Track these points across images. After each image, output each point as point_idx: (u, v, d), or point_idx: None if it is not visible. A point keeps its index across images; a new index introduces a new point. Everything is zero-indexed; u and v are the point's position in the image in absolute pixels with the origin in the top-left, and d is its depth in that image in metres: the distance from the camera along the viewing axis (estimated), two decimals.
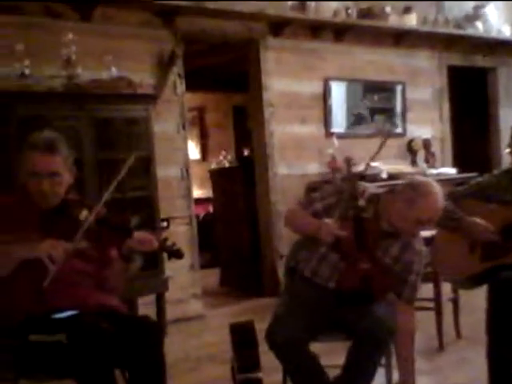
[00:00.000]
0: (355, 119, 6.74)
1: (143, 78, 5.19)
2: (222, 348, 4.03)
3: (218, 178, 7.24)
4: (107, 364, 2.43)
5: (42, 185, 2.61)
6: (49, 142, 2.65)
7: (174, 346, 4.48)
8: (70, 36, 4.58)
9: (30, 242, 2.49)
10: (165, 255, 2.69)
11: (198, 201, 7.19)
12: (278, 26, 6.06)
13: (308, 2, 6.07)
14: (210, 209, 8.27)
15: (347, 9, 6.34)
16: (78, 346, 2.39)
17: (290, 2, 5.99)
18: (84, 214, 2.58)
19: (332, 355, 3.02)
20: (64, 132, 2.87)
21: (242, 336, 3.21)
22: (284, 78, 6.16)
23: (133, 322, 2.63)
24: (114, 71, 4.80)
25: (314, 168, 6.33)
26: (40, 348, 2.52)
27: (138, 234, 2.59)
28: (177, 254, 2.64)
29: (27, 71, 4.39)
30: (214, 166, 7.91)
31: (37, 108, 4.39)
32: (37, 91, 4.49)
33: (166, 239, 2.66)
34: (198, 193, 8.07)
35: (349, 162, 2.99)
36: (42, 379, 2.58)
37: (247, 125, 7.26)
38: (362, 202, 2.89)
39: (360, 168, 3.40)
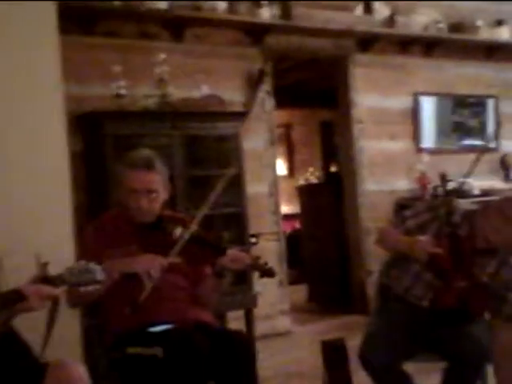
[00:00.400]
0: (445, 134, 6.62)
1: (233, 95, 5.28)
2: (312, 365, 4.02)
3: (305, 194, 7.25)
4: (202, 378, 2.47)
5: (140, 201, 2.69)
6: (147, 160, 2.73)
7: (263, 361, 4.46)
8: (163, 56, 4.71)
9: (129, 256, 2.57)
10: (256, 273, 2.72)
11: (285, 217, 7.21)
12: (367, 42, 6.04)
13: (397, 17, 6.02)
14: (297, 225, 8.28)
15: (437, 23, 6.25)
16: (173, 360, 2.45)
17: (378, 18, 5.95)
18: (179, 230, 2.64)
19: (423, 375, 2.97)
20: (156, 150, 2.95)
21: (333, 353, 3.20)
22: (372, 93, 6.12)
23: (227, 337, 2.66)
24: (205, 89, 4.90)
25: (403, 184, 6.25)
26: (136, 361, 2.58)
27: (231, 253, 2.63)
28: (269, 273, 2.66)
29: (123, 91, 4.54)
30: (301, 182, 7.92)
31: (131, 127, 4.54)
32: (131, 110, 4.64)
33: (258, 258, 2.68)
34: (284, 209, 8.10)
35: (444, 177, 2.94)
36: None
37: (334, 141, 7.25)
38: (456, 219, 2.83)
39: (453, 184, 3.34)
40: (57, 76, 3.25)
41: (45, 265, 2.12)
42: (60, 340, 2.35)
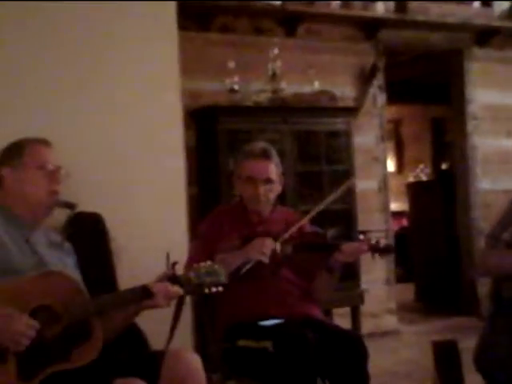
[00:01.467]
0: None
1: (344, 91, 5.25)
2: (420, 365, 3.95)
3: (415, 191, 7.12)
4: (311, 373, 2.48)
5: (257, 189, 2.74)
6: (265, 150, 2.81)
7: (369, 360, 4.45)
8: (276, 51, 4.74)
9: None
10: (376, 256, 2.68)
11: (392, 214, 7.10)
12: (485, 36, 5.84)
13: None
14: (404, 222, 8.14)
15: None
16: (283, 355, 2.47)
17: (497, 11, 5.75)
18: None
19: None
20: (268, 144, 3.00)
21: (445, 355, 3.11)
22: (490, 89, 5.91)
23: (339, 334, 2.65)
24: (317, 85, 4.90)
25: None
26: (247, 353, 2.62)
27: (347, 246, 2.61)
28: (388, 250, 2.64)
29: (236, 87, 4.61)
30: (410, 179, 7.78)
31: (243, 121, 4.61)
32: (244, 105, 4.70)
33: (369, 240, 2.64)
34: (392, 206, 7.98)
35: None
36: (248, 383, 2.69)
37: (446, 137, 7.06)
38: None
39: None
40: (175, 72, 3.33)
41: (173, 264, 2.18)
42: None
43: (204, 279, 2.18)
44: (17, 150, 2.25)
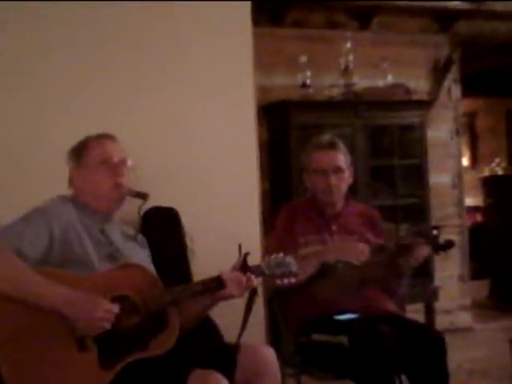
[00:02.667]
0: None
1: (418, 84, 5.18)
2: (496, 364, 3.87)
3: (490, 185, 6.95)
4: (388, 369, 2.46)
5: (328, 179, 2.76)
6: (330, 141, 2.84)
7: None
8: (349, 45, 4.71)
9: (324, 244, 2.63)
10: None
11: (467, 209, 6.96)
12: None
13: None
14: (478, 218, 7.96)
15: None
16: (359, 350, 2.46)
17: None
18: None
19: None
20: (340, 139, 2.99)
21: None
22: None
23: (417, 329, 2.63)
24: (390, 78, 4.84)
25: None
26: (322, 347, 2.63)
27: (414, 252, 2.61)
28: (449, 245, 2.63)
29: (308, 81, 4.61)
30: (485, 173, 7.60)
31: (315, 116, 4.61)
32: (316, 100, 4.69)
33: (431, 237, 2.66)
34: (466, 201, 7.82)
35: None
36: (322, 377, 2.70)
37: None
38: None
39: None
40: (249, 67, 3.34)
41: (246, 255, 2.21)
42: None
43: (276, 270, 2.21)
44: (80, 149, 2.32)
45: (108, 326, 1.99)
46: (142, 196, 2.33)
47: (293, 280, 2.22)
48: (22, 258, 2.02)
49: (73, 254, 2.13)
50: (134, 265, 2.19)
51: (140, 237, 2.41)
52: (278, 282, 2.21)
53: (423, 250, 2.63)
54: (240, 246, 2.21)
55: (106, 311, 1.99)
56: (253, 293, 2.25)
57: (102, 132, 2.36)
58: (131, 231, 2.39)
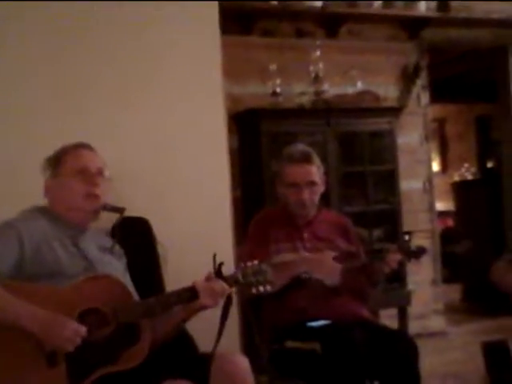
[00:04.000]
0: None
1: (387, 91, 5.22)
2: (469, 367, 3.89)
3: (460, 190, 7.03)
4: (360, 374, 2.47)
5: (301, 194, 2.76)
6: (305, 154, 2.82)
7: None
8: (318, 53, 4.73)
9: (296, 251, 2.64)
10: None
11: (437, 214, 7.03)
12: None
13: None
14: (449, 222, 8.04)
15: None
16: (331, 356, 2.47)
17: None
18: None
19: None
20: (311, 146, 3.01)
21: (495, 356, 3.08)
22: None
23: (388, 334, 2.65)
24: (360, 85, 4.88)
25: None
26: (295, 354, 2.63)
27: (387, 259, 2.64)
28: (420, 252, 2.68)
29: (278, 89, 4.62)
30: (455, 178, 7.69)
31: (286, 124, 4.61)
32: (287, 108, 4.70)
33: (402, 246, 2.71)
34: (437, 206, 7.90)
35: None
36: None
37: (492, 136, 6.96)
38: None
39: None
40: (218, 76, 3.34)
41: (220, 265, 2.19)
42: None
43: (251, 279, 2.20)
44: (56, 158, 2.29)
45: (72, 348, 1.95)
46: (118, 210, 2.29)
47: (268, 288, 2.21)
48: None
49: (45, 268, 2.10)
50: (103, 276, 2.15)
51: (117, 248, 2.38)
52: (254, 290, 2.20)
53: (396, 256, 2.66)
54: (215, 256, 2.19)
55: (73, 332, 1.95)
56: (228, 302, 2.23)
57: (77, 142, 2.33)
58: (108, 243, 2.36)
